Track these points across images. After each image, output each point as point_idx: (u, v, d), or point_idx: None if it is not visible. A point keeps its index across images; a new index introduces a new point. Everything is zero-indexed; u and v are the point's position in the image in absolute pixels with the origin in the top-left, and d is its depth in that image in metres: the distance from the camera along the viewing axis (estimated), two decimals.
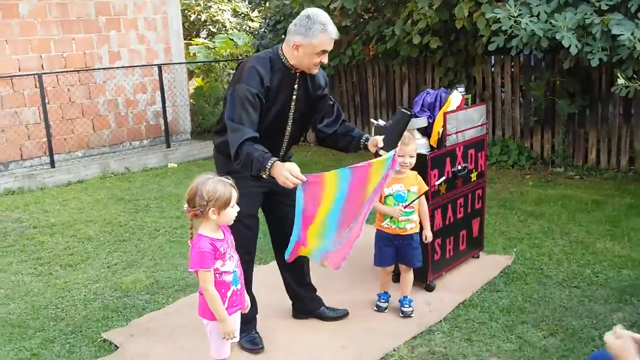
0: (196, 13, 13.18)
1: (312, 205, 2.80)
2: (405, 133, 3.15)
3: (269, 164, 2.67)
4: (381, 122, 3.98)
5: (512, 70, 7.12)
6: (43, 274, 4.39)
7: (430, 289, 3.77)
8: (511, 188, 6.10)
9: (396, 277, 3.69)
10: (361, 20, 8.19)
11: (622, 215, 4.97)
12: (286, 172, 2.64)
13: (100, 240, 5.08)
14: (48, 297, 3.96)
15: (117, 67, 8.51)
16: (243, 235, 2.95)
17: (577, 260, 4.12)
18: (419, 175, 3.43)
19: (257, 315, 3.27)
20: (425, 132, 3.72)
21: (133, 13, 8.74)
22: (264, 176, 2.71)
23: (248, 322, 3.15)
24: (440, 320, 3.37)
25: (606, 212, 5.08)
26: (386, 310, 3.55)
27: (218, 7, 13.39)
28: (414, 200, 3.34)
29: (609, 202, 5.35)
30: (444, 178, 3.49)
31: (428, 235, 3.51)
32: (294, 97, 3.02)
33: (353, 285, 3.90)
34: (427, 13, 5.58)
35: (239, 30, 12.58)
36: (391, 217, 3.35)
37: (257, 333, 3.21)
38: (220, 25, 13.29)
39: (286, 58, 2.93)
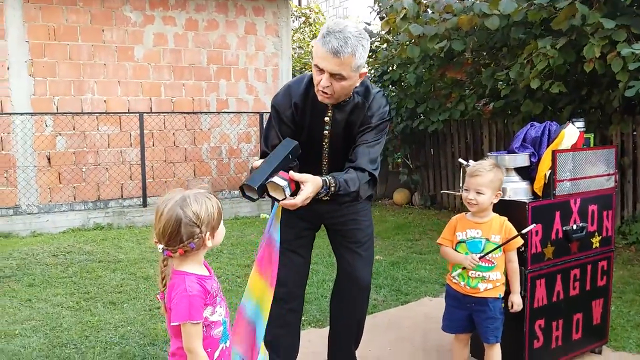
0: None
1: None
2: (475, 163, 2.55)
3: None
4: (472, 163, 3.23)
5: None
6: (82, 309, 3.99)
7: None
8: None
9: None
10: (477, 74, 7.42)
11: None
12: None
13: (156, 281, 4.63)
14: (72, 335, 3.51)
15: (221, 112, 8.44)
16: (295, 264, 2.56)
17: None
18: (508, 222, 2.56)
19: None
20: (527, 174, 2.84)
21: (244, 63, 8.73)
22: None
23: None
24: None
25: None
26: None
27: None
28: (493, 250, 2.50)
29: None
30: (533, 226, 2.59)
31: (515, 301, 2.61)
32: (326, 131, 2.43)
33: None
34: (549, 52, 4.67)
35: None
36: (463, 268, 2.54)
37: None
38: None
39: None
